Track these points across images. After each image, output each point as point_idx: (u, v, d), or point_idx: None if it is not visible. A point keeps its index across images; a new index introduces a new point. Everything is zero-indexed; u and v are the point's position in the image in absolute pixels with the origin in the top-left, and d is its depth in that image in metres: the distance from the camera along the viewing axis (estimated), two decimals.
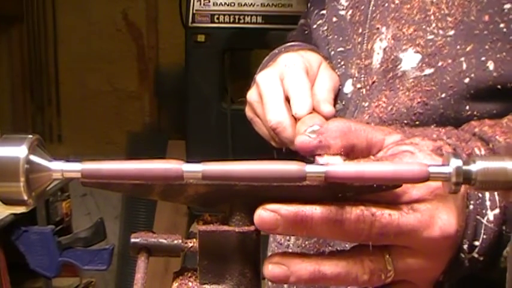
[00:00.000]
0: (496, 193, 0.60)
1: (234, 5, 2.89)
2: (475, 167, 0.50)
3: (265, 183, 0.51)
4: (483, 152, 0.61)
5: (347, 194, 0.53)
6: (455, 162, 0.50)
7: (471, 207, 0.59)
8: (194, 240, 0.56)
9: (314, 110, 0.77)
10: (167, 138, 3.64)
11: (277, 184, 0.51)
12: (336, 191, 0.52)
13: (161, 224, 3.36)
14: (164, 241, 0.56)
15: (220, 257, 0.54)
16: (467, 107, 0.72)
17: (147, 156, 0.53)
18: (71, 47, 3.82)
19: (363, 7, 0.83)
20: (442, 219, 0.54)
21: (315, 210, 0.52)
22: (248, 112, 0.86)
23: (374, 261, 0.53)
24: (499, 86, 0.70)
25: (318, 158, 0.58)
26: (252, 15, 2.89)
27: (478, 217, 0.59)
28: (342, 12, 0.87)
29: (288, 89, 0.78)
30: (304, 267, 0.52)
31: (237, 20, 2.90)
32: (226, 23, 2.90)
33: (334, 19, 0.87)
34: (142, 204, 3.61)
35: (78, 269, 2.68)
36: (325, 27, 0.89)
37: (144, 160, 0.50)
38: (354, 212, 0.52)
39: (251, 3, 2.88)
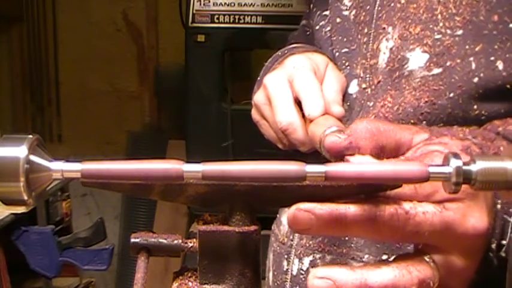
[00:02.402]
0: None
1: (234, 5, 2.89)
2: (475, 167, 0.50)
3: (265, 183, 0.51)
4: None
5: (347, 194, 0.54)
6: (455, 162, 0.50)
7: (498, 206, 0.59)
8: (194, 240, 0.56)
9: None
10: (167, 138, 3.64)
11: (277, 184, 0.51)
12: (336, 191, 0.52)
13: (161, 224, 3.36)
14: (164, 241, 0.57)
15: (220, 257, 0.54)
16: (475, 107, 0.72)
17: (147, 156, 0.53)
18: (71, 47, 3.82)
19: (368, 7, 0.83)
20: (475, 217, 0.54)
21: (348, 209, 0.51)
22: (255, 115, 0.86)
23: (421, 271, 0.53)
24: (508, 86, 0.71)
25: (349, 158, 0.57)
26: (252, 15, 2.89)
27: (505, 216, 0.59)
28: (346, 13, 0.87)
29: (298, 91, 0.77)
30: (350, 281, 0.51)
31: (237, 20, 2.90)
32: (226, 23, 2.90)
33: (338, 20, 0.87)
34: (142, 204, 3.61)
35: (78, 269, 2.68)
36: (328, 28, 0.89)
37: (144, 160, 0.50)
38: (388, 210, 0.52)
39: (251, 3, 2.88)
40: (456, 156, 0.50)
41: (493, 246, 0.59)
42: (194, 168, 0.49)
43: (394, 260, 0.54)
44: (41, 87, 3.87)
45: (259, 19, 2.89)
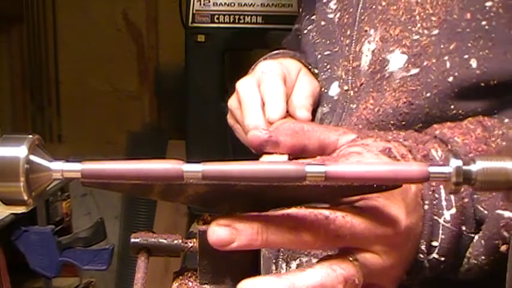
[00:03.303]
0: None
1: (234, 5, 2.89)
2: (475, 167, 0.50)
3: (265, 183, 0.51)
4: (440, 153, 0.62)
5: (347, 194, 0.54)
6: (455, 162, 0.50)
7: (426, 207, 0.60)
8: (194, 240, 0.56)
9: (290, 115, 0.78)
10: (167, 138, 3.64)
11: (277, 184, 0.51)
12: (336, 191, 0.52)
13: (161, 224, 3.36)
14: (164, 241, 0.57)
15: (220, 257, 0.54)
16: (452, 106, 0.72)
17: (147, 156, 0.53)
18: (71, 47, 3.82)
19: (351, 9, 0.84)
20: (392, 215, 0.55)
21: (268, 220, 0.52)
22: (229, 119, 0.87)
23: (345, 269, 0.53)
24: (482, 84, 0.71)
25: (264, 156, 0.59)
26: (252, 15, 2.89)
27: (435, 217, 0.60)
28: (331, 16, 0.88)
29: (263, 95, 0.78)
30: (278, 287, 0.52)
31: (237, 20, 2.90)
32: (226, 23, 2.90)
33: (323, 23, 0.88)
34: (143, 204, 3.61)
35: (78, 269, 2.68)
36: (315, 32, 0.90)
37: (144, 160, 0.50)
38: (308, 217, 0.52)
39: (251, 3, 2.88)
40: (456, 156, 0.50)
41: (423, 247, 0.59)
42: (194, 168, 0.49)
43: (318, 262, 0.54)
44: (41, 87, 3.87)
45: (259, 19, 2.89)
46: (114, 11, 3.80)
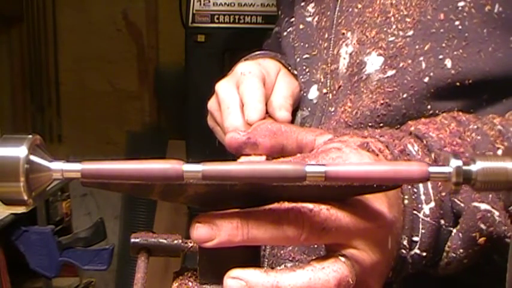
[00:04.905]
0: (430, 187, 0.61)
1: (234, 5, 2.89)
2: (475, 167, 0.50)
3: (265, 183, 0.51)
4: (416, 148, 0.63)
5: (347, 193, 0.54)
6: (455, 162, 0.50)
7: (406, 201, 0.60)
8: None
9: (270, 116, 0.78)
10: (167, 138, 3.64)
11: (277, 184, 0.51)
12: (336, 191, 0.52)
13: (161, 224, 3.36)
14: (164, 241, 0.57)
15: (220, 257, 0.54)
16: (429, 106, 0.73)
17: (147, 156, 0.53)
18: (71, 47, 3.82)
19: (328, 13, 0.84)
20: (375, 209, 0.55)
21: (249, 214, 0.52)
22: (209, 121, 0.87)
23: (338, 270, 0.53)
24: (457, 83, 0.72)
25: (242, 158, 0.59)
26: (252, 15, 2.89)
27: (415, 212, 0.60)
28: (309, 19, 0.88)
29: (242, 96, 0.78)
30: (261, 283, 0.51)
31: (237, 20, 2.90)
32: (226, 23, 2.90)
33: (301, 26, 0.89)
34: (142, 204, 3.61)
35: (78, 269, 2.68)
36: (294, 35, 0.90)
37: (144, 160, 0.50)
38: (292, 210, 0.52)
39: (251, 3, 2.88)
40: (456, 156, 0.50)
41: (405, 242, 0.59)
42: (194, 168, 0.49)
43: (309, 263, 0.54)
44: (41, 87, 3.87)
45: (259, 19, 2.89)
46: (114, 11, 3.80)
